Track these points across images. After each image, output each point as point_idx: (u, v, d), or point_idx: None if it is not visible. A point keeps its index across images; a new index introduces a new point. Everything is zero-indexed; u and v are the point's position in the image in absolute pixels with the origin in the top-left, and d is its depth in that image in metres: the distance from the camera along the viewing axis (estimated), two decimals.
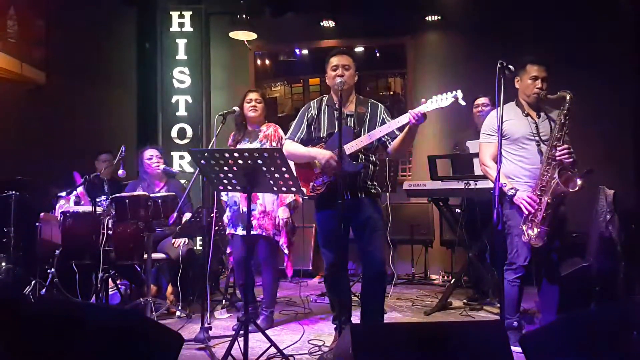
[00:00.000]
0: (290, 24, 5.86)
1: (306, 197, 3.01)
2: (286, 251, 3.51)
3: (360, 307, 3.01)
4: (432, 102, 2.67)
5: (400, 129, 2.79)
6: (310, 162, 2.92)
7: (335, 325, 3.05)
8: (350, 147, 2.79)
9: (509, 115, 2.98)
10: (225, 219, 3.63)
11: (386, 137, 2.84)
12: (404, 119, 2.71)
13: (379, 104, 3.00)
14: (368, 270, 2.92)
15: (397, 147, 2.84)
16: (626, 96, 5.15)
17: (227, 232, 3.63)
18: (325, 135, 2.92)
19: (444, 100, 2.65)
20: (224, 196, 3.62)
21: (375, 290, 2.94)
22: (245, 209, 3.37)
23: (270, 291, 3.58)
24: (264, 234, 3.44)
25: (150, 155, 4.19)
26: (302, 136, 2.99)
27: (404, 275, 5.43)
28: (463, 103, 2.66)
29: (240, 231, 3.49)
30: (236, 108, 3.51)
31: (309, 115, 3.00)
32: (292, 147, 2.94)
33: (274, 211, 3.48)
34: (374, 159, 2.97)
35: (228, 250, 3.72)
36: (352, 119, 2.90)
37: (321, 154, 2.82)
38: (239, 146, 3.53)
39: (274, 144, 3.46)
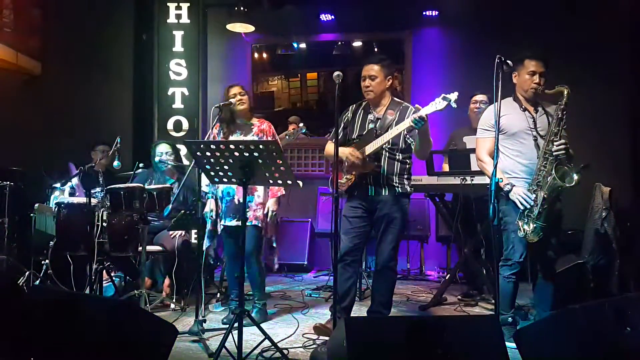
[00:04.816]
0: (289, 17, 5.83)
1: (335, 194, 3.11)
2: (274, 244, 3.55)
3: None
4: (430, 106, 2.80)
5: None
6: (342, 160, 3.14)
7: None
8: (369, 148, 3.01)
9: (506, 110, 2.98)
10: (210, 211, 3.53)
11: (410, 138, 3.04)
12: (406, 123, 2.88)
13: (410, 106, 3.11)
14: (377, 264, 3.18)
15: (416, 148, 3.04)
16: (623, 94, 5.15)
17: (220, 223, 3.54)
18: (355, 136, 3.16)
19: (439, 104, 2.79)
20: (205, 187, 3.50)
21: (381, 282, 3.18)
22: (242, 200, 3.37)
23: (260, 284, 3.57)
24: (259, 224, 3.44)
25: (161, 152, 4.18)
26: (339, 137, 3.16)
27: (399, 271, 5.43)
28: (454, 105, 2.75)
29: (234, 222, 3.47)
30: (233, 100, 3.49)
31: (344, 119, 3.24)
32: (328, 147, 3.27)
33: (265, 203, 3.49)
34: (400, 157, 3.10)
35: (206, 245, 3.57)
36: (380, 121, 3.09)
37: (343, 152, 3.01)
38: (231, 139, 3.49)
39: (269, 139, 3.46)
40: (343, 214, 3.16)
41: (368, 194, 3.05)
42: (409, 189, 3.11)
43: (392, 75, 3.18)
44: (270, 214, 3.47)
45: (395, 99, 3.19)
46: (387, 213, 3.05)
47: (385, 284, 3.17)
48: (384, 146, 3.01)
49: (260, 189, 3.47)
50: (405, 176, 3.11)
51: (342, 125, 3.22)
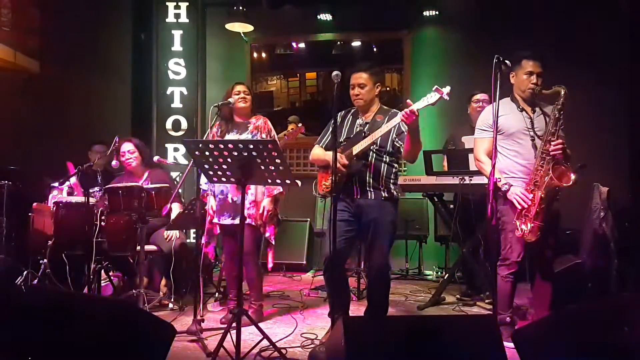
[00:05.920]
0: (287, 17, 5.83)
1: (320, 195, 3.21)
2: (273, 242, 3.54)
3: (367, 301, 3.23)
4: (422, 101, 2.77)
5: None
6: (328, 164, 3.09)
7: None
8: (356, 148, 2.99)
9: (504, 110, 2.99)
10: (209, 208, 3.53)
11: (399, 142, 3.01)
12: (397, 119, 2.85)
13: (399, 112, 3.03)
14: (370, 270, 3.13)
15: (406, 148, 2.98)
16: (622, 94, 5.15)
17: (215, 221, 3.53)
18: (342, 140, 3.12)
19: (431, 97, 2.75)
20: (203, 185, 3.49)
21: (376, 287, 3.13)
22: (235, 199, 3.40)
23: (257, 284, 3.57)
24: (252, 223, 3.42)
25: (124, 150, 3.99)
26: (327, 142, 3.20)
27: (397, 271, 5.43)
28: (447, 98, 2.72)
29: (224, 221, 3.46)
30: (232, 99, 3.48)
31: (332, 125, 3.15)
32: (314, 151, 3.24)
33: (261, 201, 3.48)
34: (388, 159, 3.05)
35: (203, 240, 3.58)
36: (368, 125, 3.07)
37: (327, 155, 3.01)
38: (227, 137, 3.48)
39: (263, 135, 3.46)
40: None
41: (353, 196, 3.00)
42: (395, 193, 3.05)
43: (381, 82, 3.18)
44: (265, 213, 3.45)
45: (384, 106, 3.16)
46: (375, 218, 2.97)
47: (380, 289, 3.11)
48: (371, 147, 2.98)
49: (252, 187, 3.44)
50: (392, 180, 3.05)
51: (331, 129, 3.13)
